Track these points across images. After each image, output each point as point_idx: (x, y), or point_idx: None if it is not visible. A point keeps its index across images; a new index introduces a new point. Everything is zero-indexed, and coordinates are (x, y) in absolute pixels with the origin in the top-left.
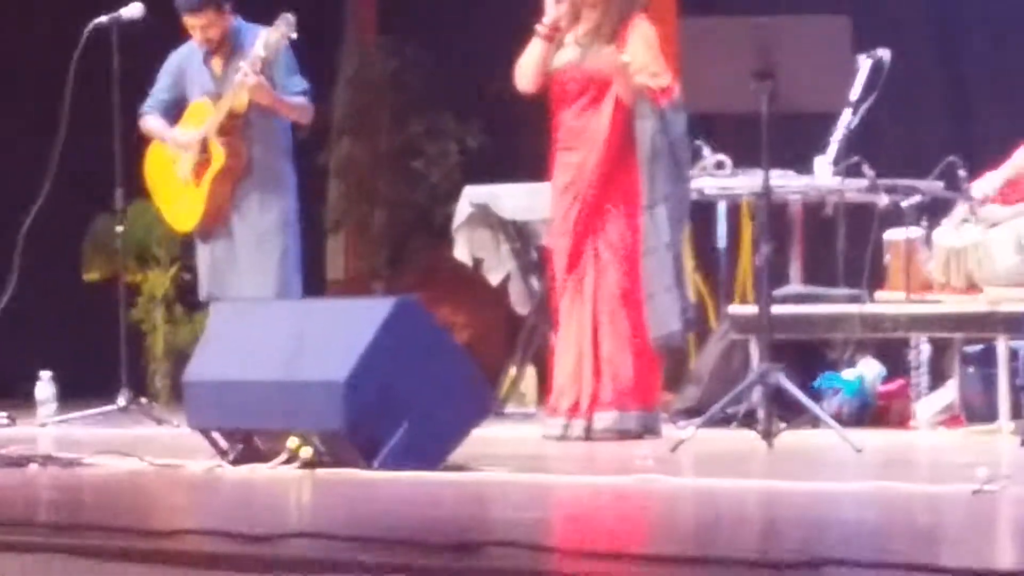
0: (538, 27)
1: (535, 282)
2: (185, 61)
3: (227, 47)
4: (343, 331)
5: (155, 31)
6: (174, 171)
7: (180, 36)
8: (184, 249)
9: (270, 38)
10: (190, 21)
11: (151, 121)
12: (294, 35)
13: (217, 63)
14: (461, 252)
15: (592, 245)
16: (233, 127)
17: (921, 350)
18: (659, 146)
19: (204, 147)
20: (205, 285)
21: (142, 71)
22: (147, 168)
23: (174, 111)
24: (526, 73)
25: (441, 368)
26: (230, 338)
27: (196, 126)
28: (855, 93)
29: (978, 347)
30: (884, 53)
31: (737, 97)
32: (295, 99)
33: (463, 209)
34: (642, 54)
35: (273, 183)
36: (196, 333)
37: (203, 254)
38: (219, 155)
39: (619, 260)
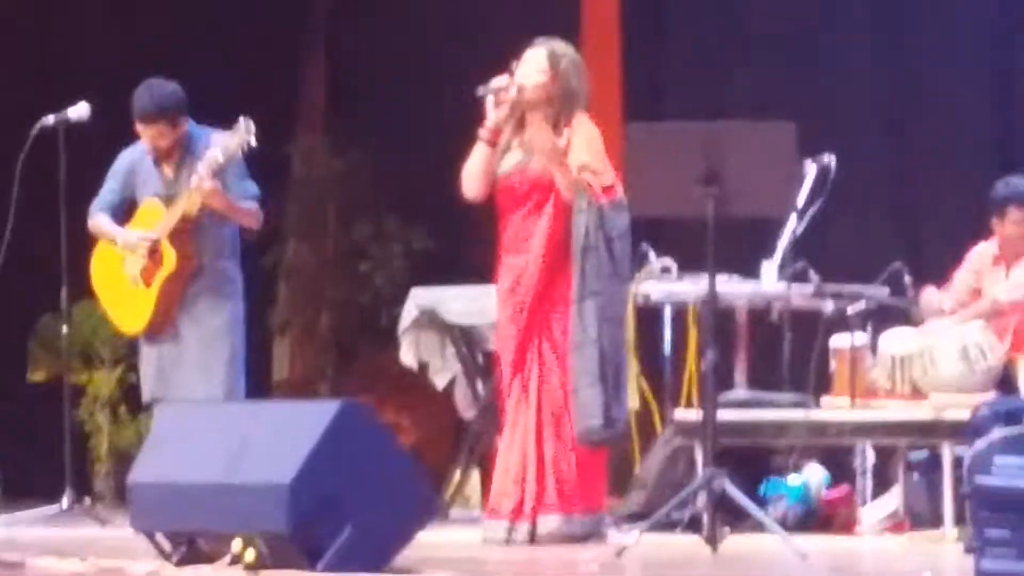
0: (480, 132)
1: (481, 386)
2: (136, 162)
3: (179, 151)
4: (288, 433)
5: (102, 131)
6: (122, 272)
7: (128, 137)
8: (129, 350)
9: (229, 144)
10: (142, 128)
11: (100, 220)
12: (253, 142)
13: (168, 166)
14: (407, 355)
15: (536, 347)
16: (185, 230)
17: (866, 456)
18: (592, 242)
19: (154, 249)
20: (150, 387)
21: (88, 171)
22: (94, 268)
23: (123, 211)
24: (471, 180)
25: (386, 471)
26: (174, 439)
27: (147, 227)
28: (801, 198)
29: (923, 453)
30: (830, 158)
31: (683, 202)
32: (247, 204)
33: (409, 312)
34: (584, 152)
35: (222, 286)
36: (140, 434)
37: (148, 356)
38: (170, 259)
39: (561, 359)
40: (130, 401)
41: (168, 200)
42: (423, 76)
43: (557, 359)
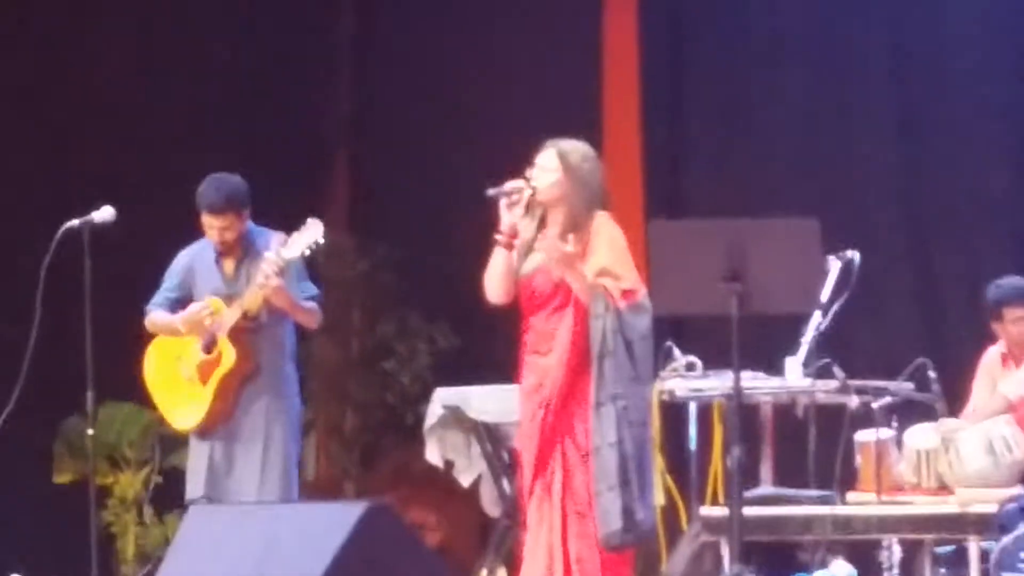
0: (496, 237)
1: (506, 484)
2: (195, 260)
3: (239, 249)
4: (314, 535)
5: (126, 234)
6: (177, 369)
7: (152, 240)
8: (155, 451)
9: (299, 241)
10: (209, 221)
11: (158, 315)
12: (322, 240)
13: (229, 264)
14: (432, 454)
15: (560, 447)
16: (245, 329)
17: (893, 551)
18: (611, 346)
19: (212, 346)
20: (200, 485)
21: (113, 274)
22: (147, 364)
23: (178, 311)
24: (493, 284)
25: (413, 571)
26: (202, 542)
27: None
28: (825, 294)
29: (949, 548)
30: (854, 254)
31: (706, 299)
32: (307, 304)
33: (434, 411)
34: (605, 255)
35: (279, 387)
36: (167, 536)
37: (199, 452)
38: (229, 356)
39: (585, 460)
40: (156, 503)
41: (228, 299)
42: (446, 174)
43: (581, 459)
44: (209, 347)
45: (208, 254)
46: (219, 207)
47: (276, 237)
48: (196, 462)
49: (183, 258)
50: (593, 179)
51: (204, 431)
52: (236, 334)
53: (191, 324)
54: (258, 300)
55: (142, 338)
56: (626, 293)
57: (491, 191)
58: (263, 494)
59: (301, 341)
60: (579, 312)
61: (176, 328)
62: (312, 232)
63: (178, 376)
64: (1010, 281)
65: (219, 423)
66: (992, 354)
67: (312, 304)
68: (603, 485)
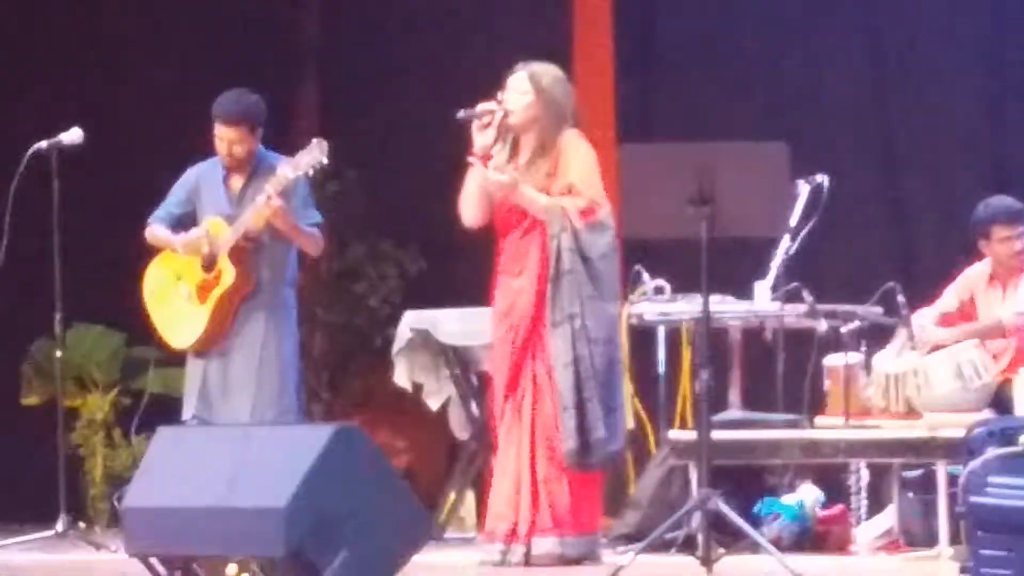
0: (470, 159)
1: (475, 407)
2: (203, 178)
3: (247, 169)
4: (283, 457)
5: (95, 156)
6: (176, 288)
7: (121, 162)
8: (123, 373)
9: (301, 161)
10: (220, 131)
11: (158, 229)
12: (325, 160)
13: (236, 183)
14: (401, 377)
15: (531, 368)
16: (245, 248)
17: (860, 475)
18: (567, 265)
19: (212, 265)
20: (193, 405)
21: (82, 195)
22: (146, 283)
23: (182, 226)
24: (467, 207)
25: (381, 494)
26: (171, 463)
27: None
28: (794, 218)
29: (917, 472)
30: (823, 178)
31: (676, 222)
32: (309, 229)
33: (403, 334)
34: (574, 171)
35: (277, 309)
36: (135, 458)
37: (194, 372)
38: (228, 275)
39: (554, 381)
40: (124, 425)
41: (231, 219)
42: (416, 98)
43: (551, 381)
44: (209, 266)
45: (216, 173)
46: (234, 118)
47: (284, 160)
48: (191, 383)
49: (191, 174)
50: (563, 100)
51: (200, 350)
52: (236, 253)
53: (189, 248)
54: (260, 220)
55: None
56: (584, 212)
57: (462, 113)
58: (256, 415)
59: None
60: (547, 233)
61: (174, 246)
62: (315, 153)
63: (177, 295)
64: (1000, 200)
65: (215, 342)
66: (978, 271)
67: (314, 230)
68: (561, 405)
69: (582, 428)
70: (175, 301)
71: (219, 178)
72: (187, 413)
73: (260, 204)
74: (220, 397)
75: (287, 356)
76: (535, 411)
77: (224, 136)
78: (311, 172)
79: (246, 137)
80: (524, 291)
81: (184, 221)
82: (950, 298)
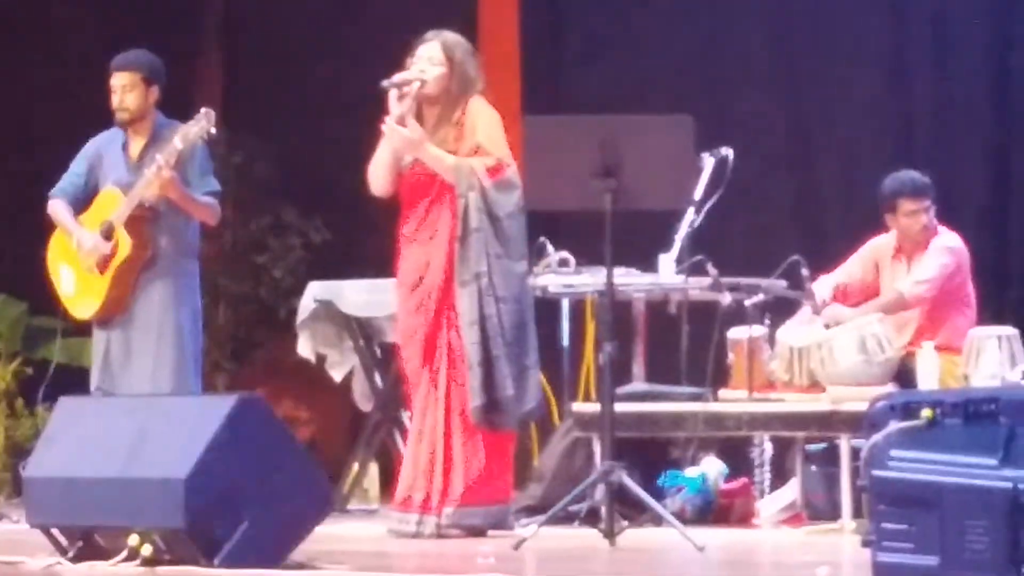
0: (384, 127)
1: (379, 378)
2: (103, 147)
3: (146, 136)
4: (185, 427)
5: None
6: (76, 259)
7: (20, 129)
8: (25, 342)
9: (190, 132)
10: (113, 81)
11: (59, 207)
12: (213, 130)
13: (135, 149)
14: (304, 348)
15: (445, 336)
16: (141, 218)
17: (764, 448)
18: (474, 223)
19: (110, 235)
20: (96, 377)
21: None
22: (50, 251)
23: (84, 196)
24: (377, 176)
25: (283, 465)
26: (72, 433)
27: (103, 215)
28: (699, 191)
29: (820, 446)
30: (728, 151)
31: (580, 195)
32: (204, 199)
33: (307, 305)
34: (481, 132)
35: (177, 279)
36: (37, 428)
37: (98, 342)
38: (125, 245)
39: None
40: (26, 395)
41: (128, 188)
42: (320, 68)
43: (461, 344)
44: (108, 235)
45: (116, 140)
46: (122, 64)
47: (182, 127)
48: (96, 354)
49: (92, 145)
50: (473, 71)
51: (102, 320)
52: (132, 223)
53: (80, 249)
54: (154, 189)
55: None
56: (492, 170)
57: (385, 83)
58: (156, 386)
59: None
60: (456, 199)
61: (69, 233)
62: (203, 123)
63: (79, 266)
64: (907, 174)
65: (116, 312)
66: (882, 243)
67: (210, 199)
68: (467, 364)
69: (488, 386)
70: (78, 272)
71: (119, 145)
72: (92, 384)
73: (150, 175)
74: (121, 367)
75: (187, 325)
76: (449, 379)
77: (116, 85)
78: (200, 142)
79: (138, 85)
80: (434, 257)
81: (87, 191)
82: (853, 266)
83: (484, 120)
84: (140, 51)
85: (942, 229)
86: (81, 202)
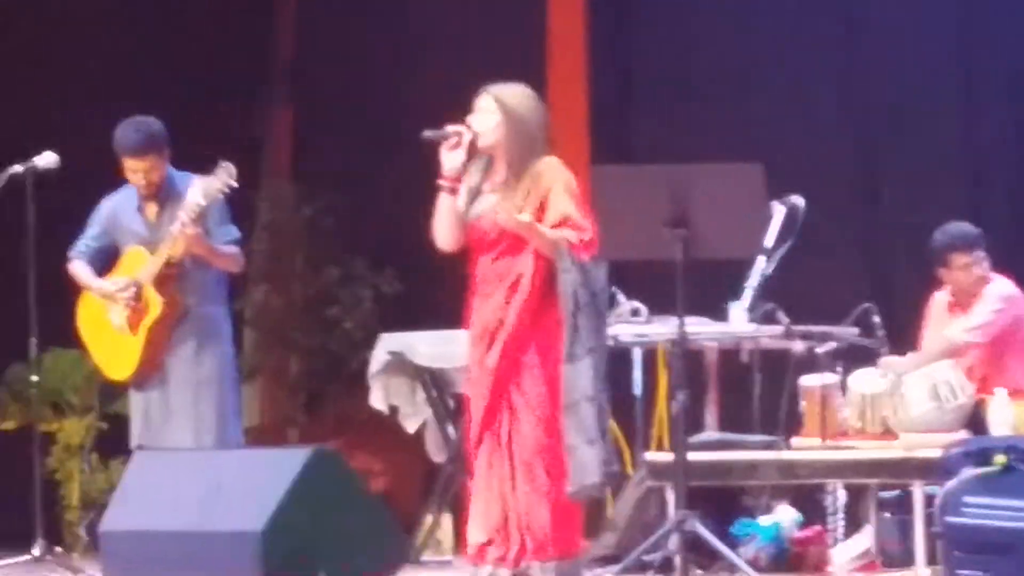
0: (440, 182)
1: (451, 430)
2: (118, 208)
3: (162, 194)
4: (259, 481)
5: (68, 180)
6: (107, 319)
7: (98, 183)
8: (100, 397)
9: (210, 187)
10: (132, 164)
11: (78, 267)
12: (234, 184)
13: (151, 210)
14: (377, 399)
15: (507, 397)
16: (169, 275)
17: (837, 496)
18: (582, 300)
19: (139, 295)
20: (137, 435)
21: (57, 219)
22: (80, 315)
23: (104, 257)
24: (441, 231)
25: (357, 517)
26: (147, 487)
27: (130, 274)
28: (770, 240)
29: (894, 493)
30: (798, 200)
31: (651, 245)
32: (228, 248)
33: (379, 356)
34: (564, 202)
35: (208, 331)
36: (112, 482)
37: (136, 403)
38: (156, 304)
39: (534, 413)
40: (101, 449)
41: (151, 245)
42: (389, 119)
43: (529, 411)
44: (136, 297)
45: (131, 201)
46: (141, 148)
47: (195, 181)
48: (135, 410)
49: (106, 205)
50: (532, 121)
51: (139, 381)
52: (161, 281)
53: (104, 297)
54: (179, 246)
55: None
56: (588, 244)
57: (427, 133)
58: (199, 440)
59: (243, 289)
60: (540, 260)
61: (90, 289)
62: (224, 176)
63: (109, 326)
64: (957, 227)
65: (153, 371)
66: (939, 300)
67: (233, 248)
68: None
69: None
70: (109, 332)
71: (134, 206)
72: (133, 443)
73: (175, 232)
74: (162, 425)
75: (225, 378)
76: (511, 440)
77: (137, 168)
78: (221, 196)
79: (156, 163)
80: (503, 314)
81: (106, 252)
82: (930, 331)
83: (566, 186)
84: (143, 126)
85: (995, 276)
86: (100, 265)
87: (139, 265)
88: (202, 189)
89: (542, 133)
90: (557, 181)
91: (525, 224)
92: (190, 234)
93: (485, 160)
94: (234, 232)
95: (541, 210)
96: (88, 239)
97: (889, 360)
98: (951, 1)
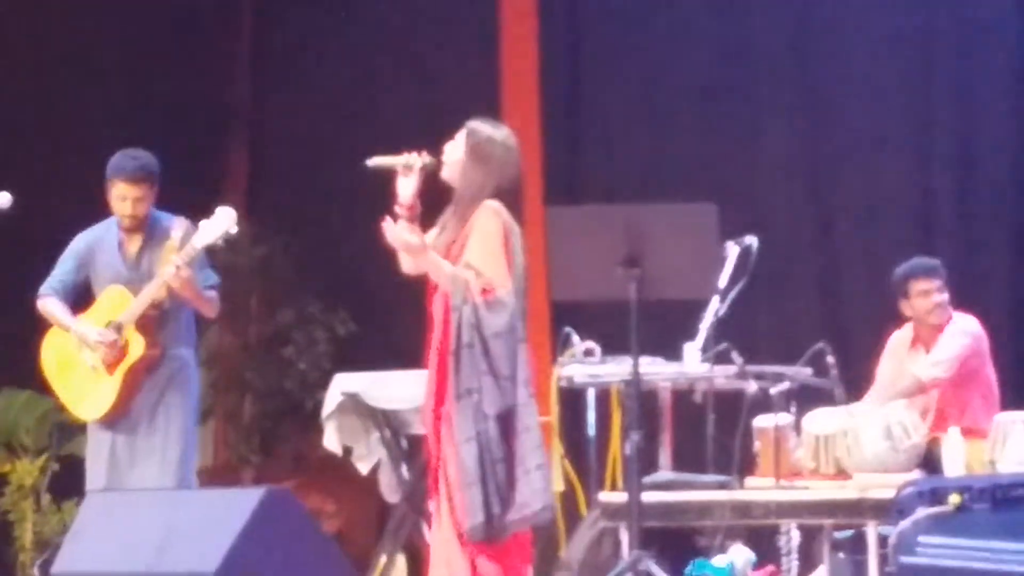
0: (396, 210)
1: (405, 471)
2: (96, 243)
3: (145, 229)
4: (212, 522)
5: (22, 219)
6: (79, 357)
7: (48, 225)
8: (52, 438)
9: (209, 231)
10: (124, 191)
11: (51, 305)
12: (235, 230)
13: (132, 247)
14: (331, 441)
15: (446, 433)
16: (151, 318)
17: (791, 536)
18: (467, 339)
19: (120, 337)
20: (102, 477)
21: (8, 260)
22: (45, 351)
23: (75, 294)
24: (404, 256)
25: (310, 558)
26: (100, 529)
27: (111, 315)
28: (723, 280)
29: (848, 533)
30: (752, 240)
31: (605, 284)
32: (209, 293)
33: (333, 397)
34: (475, 251)
35: (180, 374)
36: (65, 523)
37: (100, 442)
38: (137, 346)
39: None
40: (55, 490)
41: (132, 285)
42: (343, 161)
43: (452, 447)
44: (116, 339)
45: (110, 237)
46: (139, 176)
47: (178, 222)
48: (97, 452)
49: (81, 241)
50: (493, 164)
51: (109, 421)
52: (143, 323)
53: (84, 342)
54: (164, 288)
55: (39, 325)
56: (484, 290)
57: (371, 162)
58: (162, 482)
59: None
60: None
61: (67, 329)
62: (224, 221)
63: (81, 365)
64: (916, 259)
65: (123, 413)
66: (899, 338)
67: (213, 293)
68: (464, 479)
69: (487, 503)
70: (80, 371)
71: (114, 243)
72: (95, 484)
73: (169, 276)
74: (128, 467)
75: (188, 421)
76: (443, 478)
77: (129, 195)
78: (221, 242)
79: (148, 194)
80: (435, 351)
81: (77, 288)
82: (884, 368)
83: (484, 234)
84: (142, 154)
85: (957, 314)
86: (71, 301)
87: (120, 305)
88: (202, 232)
89: (500, 178)
90: (475, 227)
91: (414, 245)
92: (184, 276)
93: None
94: (213, 277)
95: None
96: (62, 274)
97: (855, 407)
98: (904, 35)
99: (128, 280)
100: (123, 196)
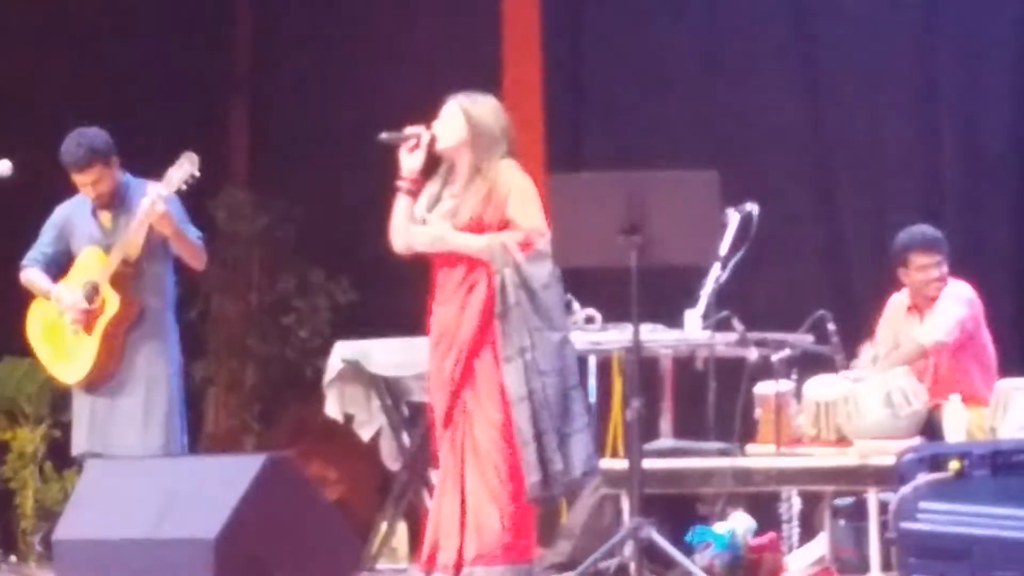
0: (399, 183)
1: (406, 438)
2: (72, 213)
3: (116, 201)
4: (213, 488)
5: (20, 187)
6: (62, 323)
7: (51, 190)
8: (53, 407)
9: (174, 175)
10: (79, 179)
11: (32, 274)
12: (197, 173)
13: (106, 216)
14: (332, 408)
15: (463, 401)
16: (126, 275)
17: (792, 503)
18: (512, 300)
19: (94, 294)
20: (84, 440)
21: (11, 229)
22: (30, 320)
23: (57, 265)
24: (397, 233)
25: (311, 525)
26: (101, 496)
27: (86, 274)
28: (724, 247)
29: (848, 500)
30: (753, 207)
31: (606, 252)
32: (191, 235)
33: (334, 365)
34: (513, 206)
35: (161, 333)
36: (66, 491)
37: (82, 406)
38: (113, 303)
39: (487, 416)
40: (56, 458)
41: (107, 249)
42: (345, 130)
43: (481, 411)
44: (92, 297)
45: (85, 208)
46: (84, 162)
47: (151, 187)
48: (79, 415)
49: (60, 212)
50: (496, 127)
51: (91, 382)
52: (118, 280)
53: (62, 305)
54: (138, 243)
55: (33, 294)
56: (523, 244)
57: (384, 136)
58: (146, 443)
59: (199, 297)
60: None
61: (47, 296)
62: (186, 166)
63: (64, 329)
64: (920, 228)
65: (106, 374)
66: (897, 302)
67: (198, 240)
68: (520, 440)
69: (542, 461)
70: (63, 336)
71: (88, 211)
72: (79, 447)
73: (142, 215)
74: (108, 426)
75: (173, 382)
76: (463, 442)
77: (83, 182)
78: (184, 187)
79: (104, 174)
80: (455, 320)
81: (59, 259)
82: (883, 332)
83: (516, 189)
84: (84, 139)
85: (952, 280)
86: (53, 272)
87: (95, 265)
88: (165, 178)
89: (504, 138)
90: (506, 185)
91: (436, 236)
92: (159, 211)
93: (445, 168)
94: (195, 231)
95: (497, 212)
96: (42, 246)
97: (853, 373)
98: (910, 4)
99: (105, 246)
100: (80, 183)
